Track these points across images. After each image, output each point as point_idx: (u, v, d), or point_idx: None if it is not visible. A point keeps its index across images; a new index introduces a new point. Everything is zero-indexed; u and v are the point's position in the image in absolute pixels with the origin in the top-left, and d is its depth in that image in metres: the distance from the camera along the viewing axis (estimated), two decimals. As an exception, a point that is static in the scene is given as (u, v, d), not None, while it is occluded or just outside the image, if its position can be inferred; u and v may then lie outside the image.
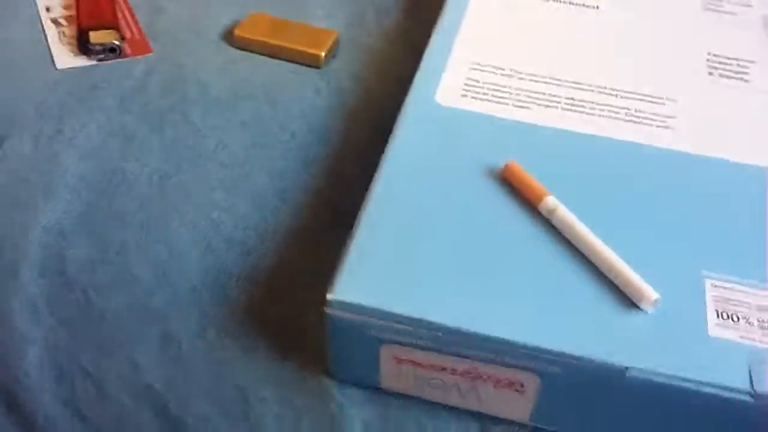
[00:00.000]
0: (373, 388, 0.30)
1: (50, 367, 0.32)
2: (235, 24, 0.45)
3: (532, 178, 0.31)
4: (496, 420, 0.29)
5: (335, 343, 0.29)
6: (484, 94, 0.36)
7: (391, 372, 0.28)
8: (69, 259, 0.34)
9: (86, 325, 0.32)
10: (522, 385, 0.27)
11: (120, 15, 0.45)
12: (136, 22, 0.45)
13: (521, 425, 0.29)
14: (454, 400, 0.29)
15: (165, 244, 0.34)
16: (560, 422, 0.28)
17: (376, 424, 0.30)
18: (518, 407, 0.28)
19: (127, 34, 0.44)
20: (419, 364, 0.28)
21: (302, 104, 0.41)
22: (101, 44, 0.42)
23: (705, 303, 0.27)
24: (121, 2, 0.46)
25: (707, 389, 0.25)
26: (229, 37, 0.44)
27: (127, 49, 0.43)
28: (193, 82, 0.41)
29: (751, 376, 0.25)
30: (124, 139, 0.38)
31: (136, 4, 0.46)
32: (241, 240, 0.34)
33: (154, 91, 0.41)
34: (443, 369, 0.28)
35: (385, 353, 0.28)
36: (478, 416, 0.29)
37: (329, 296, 0.27)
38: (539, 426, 0.28)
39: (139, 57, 0.43)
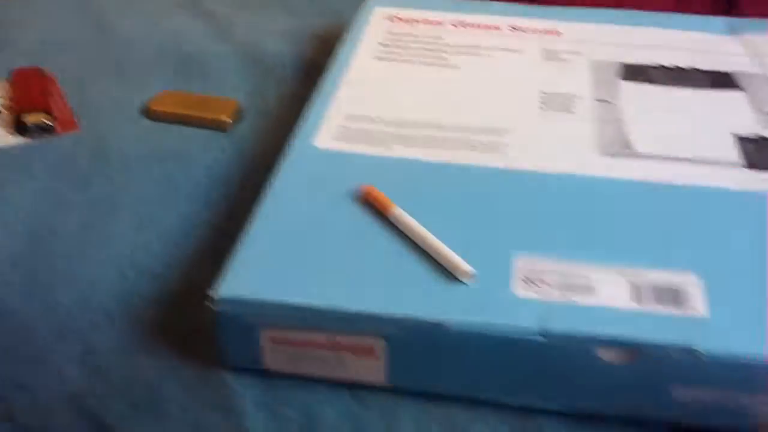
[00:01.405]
0: (262, 372, 0.36)
1: (-10, 386, 0.38)
2: (151, 100, 0.53)
3: (382, 195, 0.38)
4: (362, 386, 0.35)
5: (224, 335, 0.35)
6: (354, 137, 0.44)
7: (272, 353, 0.35)
8: (3, 295, 0.40)
9: (20, 347, 0.38)
10: (374, 350, 0.33)
11: (51, 99, 0.52)
12: (65, 105, 0.52)
13: (383, 388, 0.35)
14: (326, 371, 0.35)
15: (86, 278, 0.40)
16: (411, 381, 0.34)
17: (265, 403, 0.36)
18: (375, 371, 0.34)
19: (58, 115, 0.51)
20: (292, 343, 0.34)
21: (208, 161, 0.48)
22: (35, 123, 0.49)
23: (513, 273, 0.34)
24: (53, 89, 0.53)
25: (511, 334, 0.32)
26: (146, 111, 0.52)
27: (58, 127, 0.50)
28: (114, 151, 0.49)
29: (544, 321, 0.32)
30: (53, 200, 0.45)
31: (67, 89, 0.54)
32: (150, 269, 0.41)
33: (81, 160, 0.48)
34: (311, 344, 0.34)
35: (264, 337, 0.34)
36: (349, 386, 0.36)
37: (213, 294, 0.34)
38: (398, 386, 0.35)
39: (68, 133, 0.50)
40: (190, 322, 0.39)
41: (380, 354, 0.33)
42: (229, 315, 0.34)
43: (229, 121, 0.51)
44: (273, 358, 0.35)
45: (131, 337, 0.38)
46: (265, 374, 0.36)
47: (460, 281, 0.34)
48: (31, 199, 0.45)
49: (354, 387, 0.36)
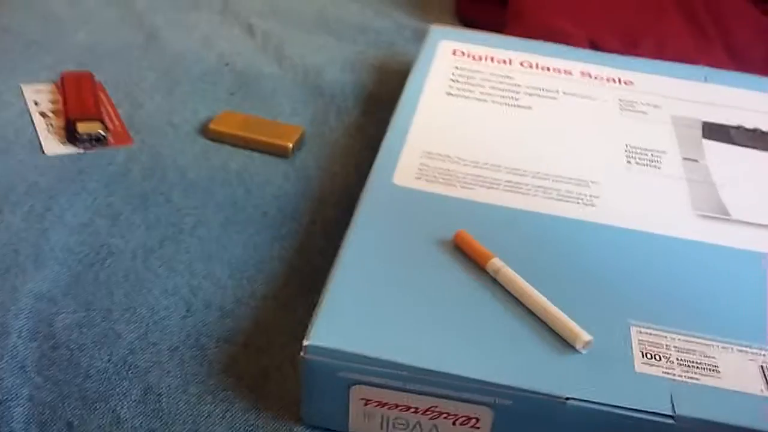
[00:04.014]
0: (343, 433, 0.33)
1: (35, 423, 0.34)
2: (209, 120, 0.50)
3: (479, 243, 0.36)
4: (455, 457, 0.32)
5: (308, 387, 0.32)
6: (434, 177, 0.41)
7: (359, 414, 0.32)
8: (57, 322, 0.36)
9: (71, 381, 0.34)
10: (477, 420, 0.30)
11: (103, 109, 0.49)
12: (117, 116, 0.49)
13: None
14: (417, 439, 0.32)
15: (148, 308, 0.37)
16: (512, 455, 0.31)
17: (345, 466, 0.32)
18: (474, 442, 0.31)
19: (110, 126, 0.48)
20: (385, 404, 0.31)
21: (273, 188, 0.45)
22: (88, 134, 0.46)
23: (632, 345, 0.32)
24: (103, 97, 0.50)
25: (636, 414, 0.29)
26: (203, 130, 0.49)
27: (110, 140, 0.47)
28: (171, 168, 0.45)
29: (672, 403, 0.29)
30: (109, 217, 0.42)
31: (117, 99, 0.51)
32: (219, 304, 0.38)
33: (136, 176, 0.45)
34: (407, 408, 0.31)
35: (355, 395, 0.31)
36: (438, 455, 0.32)
37: (305, 342, 0.31)
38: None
39: (120, 146, 0.47)
40: (261, 366, 0.35)
41: (485, 425, 0.30)
42: (319, 366, 0.31)
43: (291, 147, 0.48)
44: (359, 420, 0.32)
45: (197, 379, 0.35)
46: (346, 434, 0.33)
47: (576, 350, 0.31)
48: (87, 217, 0.41)
49: (445, 456, 0.33)
